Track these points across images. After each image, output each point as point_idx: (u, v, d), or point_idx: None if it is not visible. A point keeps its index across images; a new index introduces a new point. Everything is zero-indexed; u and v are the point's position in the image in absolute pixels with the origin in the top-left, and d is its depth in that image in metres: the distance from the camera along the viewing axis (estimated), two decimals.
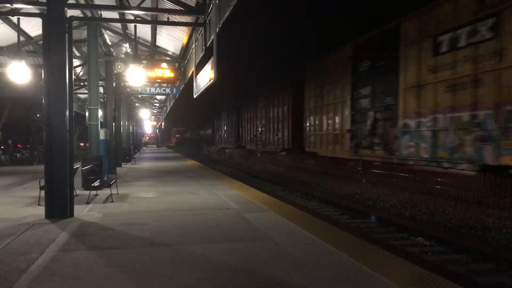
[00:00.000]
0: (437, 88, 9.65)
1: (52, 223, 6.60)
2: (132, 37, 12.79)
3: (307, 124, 16.89)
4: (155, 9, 11.32)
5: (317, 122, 16.10)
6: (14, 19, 11.01)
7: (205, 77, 10.53)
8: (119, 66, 13.75)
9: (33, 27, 13.05)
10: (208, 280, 3.98)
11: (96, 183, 9.44)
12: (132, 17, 12.02)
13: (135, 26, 11.71)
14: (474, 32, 8.61)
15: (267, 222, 6.56)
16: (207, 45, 10.46)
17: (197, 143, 56.33)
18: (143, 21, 12.31)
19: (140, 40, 14.53)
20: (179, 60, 16.54)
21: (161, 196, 9.80)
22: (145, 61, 14.91)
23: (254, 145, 24.58)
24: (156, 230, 6.08)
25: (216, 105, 36.41)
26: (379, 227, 8.77)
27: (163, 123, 66.60)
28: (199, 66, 11.75)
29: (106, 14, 11.31)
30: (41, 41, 9.70)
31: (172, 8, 10.74)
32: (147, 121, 52.98)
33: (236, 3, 7.51)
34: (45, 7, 7.28)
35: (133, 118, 35.03)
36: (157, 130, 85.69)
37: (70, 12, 8.40)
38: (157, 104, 39.29)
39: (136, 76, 11.24)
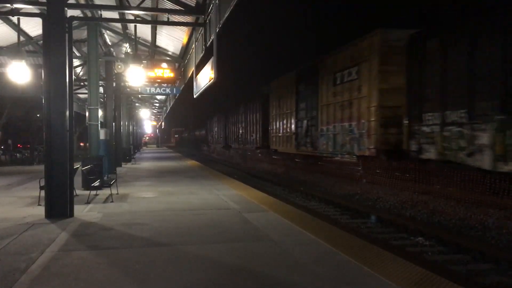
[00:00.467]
0: (335, 107, 14.48)
1: (52, 223, 6.60)
2: (132, 37, 12.79)
3: (270, 128, 21.97)
4: (155, 9, 11.32)
5: (276, 126, 20.97)
6: (14, 19, 11.00)
7: (205, 77, 10.54)
8: (119, 66, 13.73)
9: (33, 27, 13.05)
10: (208, 280, 3.98)
11: (96, 183, 9.44)
12: (132, 17, 12.01)
13: (135, 26, 11.71)
14: (350, 73, 13.50)
15: (267, 222, 6.56)
16: (207, 45, 10.46)
17: (193, 142, 62.14)
18: (143, 21, 12.31)
19: (140, 40, 14.53)
20: (179, 60, 16.55)
21: (161, 196, 9.80)
22: (145, 61, 14.89)
23: (237, 144, 29.97)
24: (156, 230, 6.08)
25: (209, 109, 43.30)
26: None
27: (163, 123, 66.57)
28: (199, 66, 11.76)
29: (106, 14, 11.30)
30: (41, 41, 9.69)
31: (172, 8, 10.74)
32: (147, 121, 52.97)
33: (236, 3, 7.51)
34: (45, 7, 7.29)
35: (133, 118, 35.02)
36: (157, 130, 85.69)
37: (70, 12, 8.39)
38: (157, 104, 39.29)
39: (136, 76, 11.24)
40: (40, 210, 7.42)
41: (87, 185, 9.65)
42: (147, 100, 34.77)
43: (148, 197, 9.64)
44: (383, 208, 10.68)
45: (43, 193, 7.45)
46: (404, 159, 11.45)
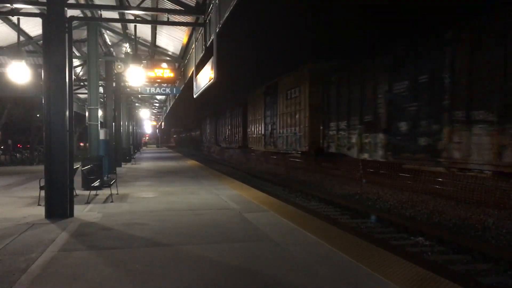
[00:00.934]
0: (287, 116, 19.58)
1: (52, 223, 6.60)
2: (132, 37, 12.79)
3: (248, 130, 27.45)
4: (155, 9, 11.32)
5: (252, 129, 26.33)
6: (14, 19, 11.00)
7: (205, 77, 10.53)
8: (119, 66, 13.73)
9: (33, 27, 13.05)
10: (208, 280, 3.98)
11: (96, 183, 9.44)
12: (132, 17, 12.01)
13: (135, 26, 11.70)
14: (295, 91, 18.69)
15: (267, 222, 6.56)
16: (207, 45, 10.46)
17: (190, 142, 67.58)
18: (143, 21, 12.31)
19: (140, 40, 14.52)
20: (179, 60, 16.54)
21: (161, 196, 9.80)
22: (145, 61, 14.88)
23: (225, 143, 35.65)
24: (156, 230, 6.08)
25: (203, 111, 48.46)
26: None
27: (163, 123, 66.58)
28: (199, 66, 11.75)
29: (106, 14, 11.30)
30: (41, 41, 9.70)
31: (172, 8, 10.74)
32: (147, 121, 52.95)
33: (236, 3, 7.50)
34: (45, 7, 7.28)
35: (133, 118, 35.01)
36: (157, 130, 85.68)
37: (70, 12, 8.40)
38: (157, 104, 39.29)
39: (136, 76, 11.24)
40: (40, 210, 7.42)
41: (87, 185, 9.64)
42: (147, 100, 34.76)
43: (148, 197, 9.64)
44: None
45: (43, 193, 7.44)
46: (322, 154, 17.03)
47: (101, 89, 16.55)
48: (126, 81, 17.54)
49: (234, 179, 14.19)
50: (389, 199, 11.55)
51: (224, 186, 11.52)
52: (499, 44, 8.41)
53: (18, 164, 22.90)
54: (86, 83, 14.52)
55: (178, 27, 12.89)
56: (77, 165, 8.82)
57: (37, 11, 10.36)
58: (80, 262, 4.55)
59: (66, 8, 7.30)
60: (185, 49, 15.11)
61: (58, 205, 7.06)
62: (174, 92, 18.39)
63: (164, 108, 39.48)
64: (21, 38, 12.14)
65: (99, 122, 12.52)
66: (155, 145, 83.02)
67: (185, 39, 14.21)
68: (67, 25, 7.19)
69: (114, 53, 17.28)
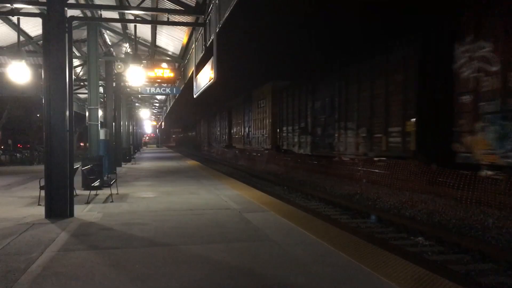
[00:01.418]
0: (258, 121, 25.06)
1: (52, 223, 6.60)
2: (132, 37, 12.79)
3: (232, 131, 34.16)
4: (155, 9, 11.32)
5: (235, 131, 33.04)
6: (14, 19, 11.00)
7: (205, 77, 10.53)
8: (119, 66, 13.74)
9: (33, 27, 13.05)
10: (208, 280, 3.98)
11: (96, 183, 9.45)
12: (132, 17, 12.01)
13: (135, 26, 11.70)
14: (263, 102, 24.17)
15: (267, 222, 6.56)
16: (207, 45, 10.46)
17: (188, 142, 72.99)
18: (143, 21, 12.31)
19: (140, 40, 14.53)
20: (179, 60, 16.54)
21: (161, 196, 9.80)
22: (145, 61, 14.89)
23: (215, 143, 42.52)
24: (156, 230, 6.08)
25: (197, 114, 52.21)
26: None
27: (163, 123, 66.58)
28: (199, 66, 11.75)
29: (106, 14, 11.30)
30: (41, 41, 9.69)
31: (172, 8, 10.75)
32: (147, 121, 52.96)
33: (236, 3, 7.51)
34: (45, 7, 7.28)
35: (133, 118, 35.02)
36: (157, 130, 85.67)
37: (70, 12, 8.38)
38: (157, 104, 39.29)
39: (136, 76, 11.24)
40: (40, 210, 7.42)
41: (87, 185, 9.64)
42: (147, 100, 34.76)
43: (148, 197, 9.64)
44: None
45: (43, 193, 7.44)
46: (279, 150, 22.41)
47: (101, 89, 16.54)
48: (126, 81, 17.54)
49: (234, 179, 14.20)
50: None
51: (224, 186, 11.52)
52: (356, 82, 14.38)
53: (18, 164, 22.90)
54: (86, 83, 14.52)
55: (178, 27, 12.89)
56: (77, 165, 8.82)
57: (37, 11, 10.36)
58: (80, 262, 4.55)
59: (66, 8, 7.30)
60: (185, 49, 15.11)
61: (58, 205, 7.06)
62: (174, 92, 18.39)
63: (164, 108, 39.49)
64: (21, 38, 12.13)
65: (99, 122, 12.52)
66: (155, 145, 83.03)
67: (185, 39, 14.21)
68: (67, 25, 7.18)
69: (114, 53, 17.28)
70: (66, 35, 7.12)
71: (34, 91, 14.93)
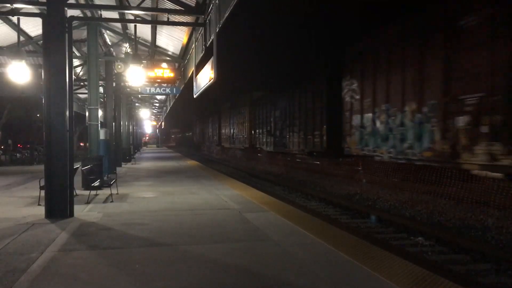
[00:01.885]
0: (240, 125, 31.38)
1: (52, 223, 6.60)
2: (132, 37, 12.79)
3: (221, 132, 39.94)
4: (155, 9, 11.32)
5: (224, 132, 38.87)
6: (14, 19, 11.00)
7: (205, 77, 10.53)
8: (119, 66, 13.74)
9: (33, 27, 13.05)
10: (208, 280, 3.99)
11: (96, 183, 9.44)
12: (132, 17, 12.01)
13: (135, 26, 11.70)
14: (243, 109, 30.46)
15: (267, 222, 6.56)
16: (207, 45, 10.46)
17: (186, 142, 77.25)
18: (143, 21, 12.31)
19: (140, 40, 14.53)
20: (179, 60, 16.54)
21: (161, 196, 9.80)
22: (145, 61, 14.89)
23: (208, 143, 48.65)
24: (156, 230, 6.08)
25: (194, 115, 54.96)
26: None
27: (163, 123, 66.60)
28: (199, 66, 11.74)
29: (106, 14, 11.30)
30: (41, 41, 9.69)
31: (172, 8, 10.74)
32: (147, 121, 52.96)
33: (236, 3, 7.50)
34: (45, 7, 7.28)
35: (133, 118, 35.01)
36: (157, 130, 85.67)
37: (70, 12, 8.38)
38: (157, 104, 39.29)
39: (136, 76, 11.23)
40: (40, 210, 7.42)
41: (87, 185, 9.64)
42: (147, 100, 34.76)
43: (148, 197, 9.64)
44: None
45: (43, 193, 7.44)
46: (254, 148, 27.59)
47: (101, 89, 16.55)
48: (126, 81, 17.55)
49: (234, 179, 14.20)
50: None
51: (224, 186, 11.52)
52: (297, 99, 19.80)
53: (18, 164, 22.90)
54: (86, 83, 14.52)
55: (178, 27, 12.89)
56: (77, 165, 8.82)
57: (37, 11, 10.36)
58: (80, 262, 4.55)
59: (66, 8, 7.30)
60: (185, 49, 15.11)
61: (58, 205, 7.06)
62: (174, 92, 18.39)
63: (164, 108, 39.50)
64: (21, 38, 12.13)
65: (99, 122, 12.52)
66: (155, 145, 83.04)
67: (185, 39, 14.21)
68: (67, 25, 7.18)
69: (114, 53, 17.28)
70: (66, 35, 7.12)
71: (34, 91, 14.95)
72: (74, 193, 7.79)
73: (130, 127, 30.54)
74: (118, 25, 14.09)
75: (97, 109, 12.32)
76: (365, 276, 4.05)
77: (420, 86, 10.45)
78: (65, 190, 7.09)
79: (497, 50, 8.12)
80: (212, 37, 9.40)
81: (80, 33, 14.40)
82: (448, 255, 6.73)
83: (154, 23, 12.49)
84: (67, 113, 7.09)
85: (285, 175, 18.84)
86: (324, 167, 17.24)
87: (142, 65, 11.54)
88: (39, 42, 13.31)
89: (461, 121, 9.17)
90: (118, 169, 16.52)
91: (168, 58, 17.02)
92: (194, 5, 10.58)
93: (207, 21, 10.26)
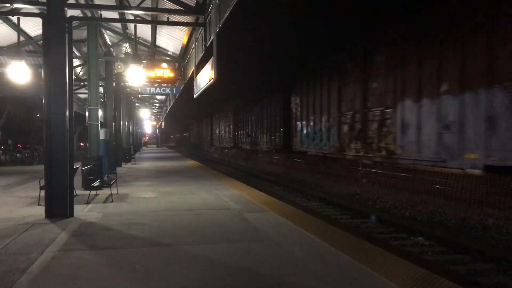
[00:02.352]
0: (227, 127, 35.95)
1: (52, 223, 6.60)
2: (132, 37, 12.79)
3: (213, 133, 43.72)
4: (155, 9, 11.31)
5: (215, 133, 42.50)
6: (14, 19, 11.00)
7: (205, 77, 10.53)
8: (119, 66, 13.74)
9: (33, 27, 13.05)
10: (208, 280, 3.99)
11: (96, 183, 9.44)
12: (132, 17, 12.01)
13: (135, 26, 11.70)
14: (229, 115, 34.79)
15: (267, 222, 6.56)
16: (207, 45, 10.46)
17: (184, 142, 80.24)
18: (143, 21, 12.30)
19: (140, 40, 14.52)
20: (179, 60, 16.53)
21: (161, 196, 9.80)
22: (145, 61, 14.87)
23: (203, 142, 53.29)
24: (156, 230, 6.08)
25: (190, 117, 58.17)
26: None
27: (163, 123, 66.63)
28: (199, 66, 11.75)
29: (106, 14, 11.30)
30: (41, 41, 9.70)
31: (172, 8, 10.74)
32: (147, 121, 52.96)
33: (236, 3, 7.50)
34: (45, 7, 7.28)
35: (133, 118, 35.02)
36: (157, 130, 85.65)
37: (70, 12, 8.38)
38: (157, 104, 39.29)
39: (136, 76, 11.22)
40: (40, 210, 7.42)
41: (87, 185, 9.64)
42: (147, 100, 34.76)
43: (148, 197, 9.64)
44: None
45: (43, 193, 7.44)
46: (237, 147, 31.55)
47: (101, 89, 16.55)
48: (126, 81, 17.54)
49: (234, 179, 14.20)
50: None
51: (224, 186, 11.52)
52: (265, 108, 23.80)
53: (18, 164, 22.89)
54: (86, 83, 14.52)
55: (178, 27, 12.89)
56: (77, 165, 8.82)
57: (37, 11, 10.36)
58: (80, 262, 4.55)
59: (66, 8, 7.30)
60: (185, 49, 15.10)
61: (58, 205, 7.06)
62: (174, 92, 18.39)
63: (164, 108, 39.52)
64: (21, 38, 12.13)
65: (99, 122, 12.52)
66: (155, 145, 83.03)
67: (185, 39, 14.20)
68: (67, 25, 7.18)
69: (114, 53, 17.27)
70: (66, 35, 7.12)
71: (34, 91, 14.92)
72: (74, 193, 7.78)
73: (130, 127, 30.55)
74: (118, 25, 14.08)
75: (97, 109, 12.32)
76: (365, 276, 4.04)
77: (328, 105, 15.57)
78: (65, 190, 7.09)
79: (357, 87, 13.37)
80: (212, 37, 9.40)
81: (80, 33, 14.40)
82: (449, 254, 6.74)
83: (154, 23, 12.49)
84: (67, 113, 7.09)
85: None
86: (281, 160, 22.09)
87: (142, 65, 11.53)
88: (39, 42, 13.31)
89: (345, 128, 14.15)
90: (118, 169, 16.52)
91: (168, 58, 17.01)
92: (194, 5, 10.57)
93: (207, 21, 10.26)
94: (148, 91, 18.02)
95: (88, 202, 8.68)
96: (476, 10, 8.38)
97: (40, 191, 8.24)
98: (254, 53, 16.47)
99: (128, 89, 21.37)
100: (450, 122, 8.99)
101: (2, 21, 11.99)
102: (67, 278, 4.06)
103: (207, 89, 10.62)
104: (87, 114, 13.44)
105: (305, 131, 17.77)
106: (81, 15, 11.81)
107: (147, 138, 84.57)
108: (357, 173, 13.39)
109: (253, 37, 13.74)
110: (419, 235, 7.75)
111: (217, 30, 8.88)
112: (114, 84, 17.35)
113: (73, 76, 10.01)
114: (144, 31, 14.34)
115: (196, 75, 12.25)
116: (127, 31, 14.65)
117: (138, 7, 10.42)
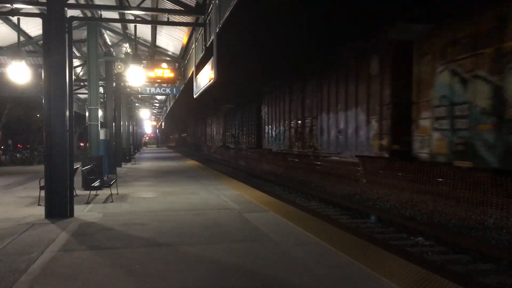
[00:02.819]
0: (219, 128, 38.49)
1: (52, 223, 6.60)
2: (132, 37, 12.78)
3: (206, 133, 46.73)
4: (155, 9, 11.31)
5: (209, 133, 44.87)
6: (14, 19, 10.99)
7: (205, 77, 10.53)
8: (119, 66, 13.73)
9: (33, 27, 13.04)
10: (208, 280, 3.99)
11: (96, 183, 9.44)
12: (132, 17, 12.00)
13: (135, 26, 11.70)
14: (220, 117, 37.44)
15: (267, 222, 6.56)
16: (207, 45, 10.46)
17: (183, 142, 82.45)
18: (143, 21, 12.30)
19: (140, 40, 14.51)
20: (179, 60, 16.53)
21: (161, 196, 9.80)
22: (145, 61, 14.87)
23: (199, 142, 55.68)
24: (156, 230, 6.08)
25: (188, 117, 60.76)
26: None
27: (163, 123, 66.64)
28: (199, 66, 11.74)
29: (106, 14, 11.29)
30: (41, 41, 9.69)
31: (172, 8, 10.73)
32: (147, 121, 52.98)
33: (236, 3, 7.50)
34: (45, 7, 7.28)
35: (133, 118, 35.02)
36: (157, 130, 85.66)
37: (70, 12, 8.38)
38: (157, 104, 39.28)
39: (136, 76, 11.22)
40: (40, 210, 7.42)
41: (87, 185, 9.64)
42: (147, 100, 34.76)
43: (148, 197, 9.65)
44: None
45: (43, 193, 7.45)
46: (226, 147, 34.90)
47: (101, 89, 16.54)
48: (126, 81, 17.54)
49: (234, 179, 14.20)
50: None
51: (224, 186, 11.52)
52: (245, 114, 28.02)
53: (18, 164, 22.91)
54: (86, 83, 14.52)
55: (178, 27, 12.88)
56: (77, 165, 8.82)
57: (37, 11, 10.35)
58: (80, 262, 4.55)
59: (66, 8, 7.30)
60: (185, 49, 15.10)
61: (58, 205, 7.06)
62: (174, 92, 18.39)
63: (164, 108, 39.54)
64: (21, 38, 12.12)
65: (99, 122, 12.52)
66: (155, 145, 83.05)
67: (185, 39, 14.20)
68: (67, 25, 7.18)
69: (114, 53, 17.27)
70: (66, 35, 7.12)
71: (34, 91, 14.92)
72: (74, 193, 7.79)
73: (130, 127, 30.55)
74: (118, 25, 14.08)
75: (97, 109, 12.31)
76: (365, 276, 4.05)
77: (284, 114, 19.70)
78: (65, 190, 7.09)
79: (298, 102, 17.88)
80: (212, 37, 9.40)
81: (80, 33, 14.38)
82: (448, 255, 6.75)
83: (154, 23, 12.48)
84: (67, 113, 7.09)
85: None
86: (255, 156, 26.93)
87: (142, 65, 11.53)
88: (39, 42, 13.29)
89: (292, 132, 18.64)
90: (118, 169, 16.52)
91: (168, 58, 17.01)
92: (194, 5, 10.57)
93: (207, 21, 10.26)
94: (148, 91, 18.01)
95: (88, 202, 8.68)
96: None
97: (40, 191, 8.25)
98: (254, 54, 17.75)
99: (128, 89, 21.37)
100: (341, 129, 13.81)
101: (2, 21, 11.99)
102: (67, 278, 4.06)
103: (207, 89, 10.64)
104: (87, 114, 13.44)
105: (270, 134, 22.34)
106: (81, 15, 11.81)
107: (147, 138, 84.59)
108: (300, 163, 19.04)
109: (253, 37, 13.88)
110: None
111: (217, 30, 8.88)
112: (114, 84, 17.35)
113: (73, 76, 10.02)
114: (144, 31, 14.33)
115: (196, 75, 12.25)
116: (127, 31, 14.65)
117: (138, 7, 10.42)
